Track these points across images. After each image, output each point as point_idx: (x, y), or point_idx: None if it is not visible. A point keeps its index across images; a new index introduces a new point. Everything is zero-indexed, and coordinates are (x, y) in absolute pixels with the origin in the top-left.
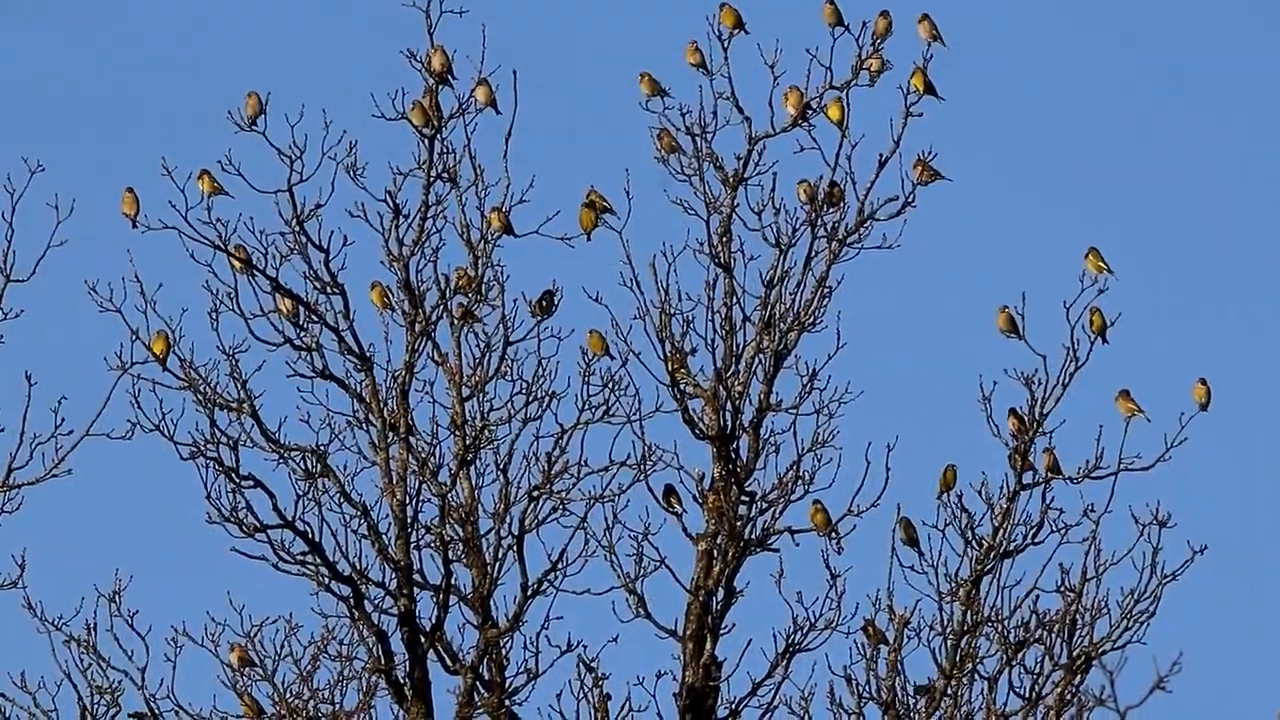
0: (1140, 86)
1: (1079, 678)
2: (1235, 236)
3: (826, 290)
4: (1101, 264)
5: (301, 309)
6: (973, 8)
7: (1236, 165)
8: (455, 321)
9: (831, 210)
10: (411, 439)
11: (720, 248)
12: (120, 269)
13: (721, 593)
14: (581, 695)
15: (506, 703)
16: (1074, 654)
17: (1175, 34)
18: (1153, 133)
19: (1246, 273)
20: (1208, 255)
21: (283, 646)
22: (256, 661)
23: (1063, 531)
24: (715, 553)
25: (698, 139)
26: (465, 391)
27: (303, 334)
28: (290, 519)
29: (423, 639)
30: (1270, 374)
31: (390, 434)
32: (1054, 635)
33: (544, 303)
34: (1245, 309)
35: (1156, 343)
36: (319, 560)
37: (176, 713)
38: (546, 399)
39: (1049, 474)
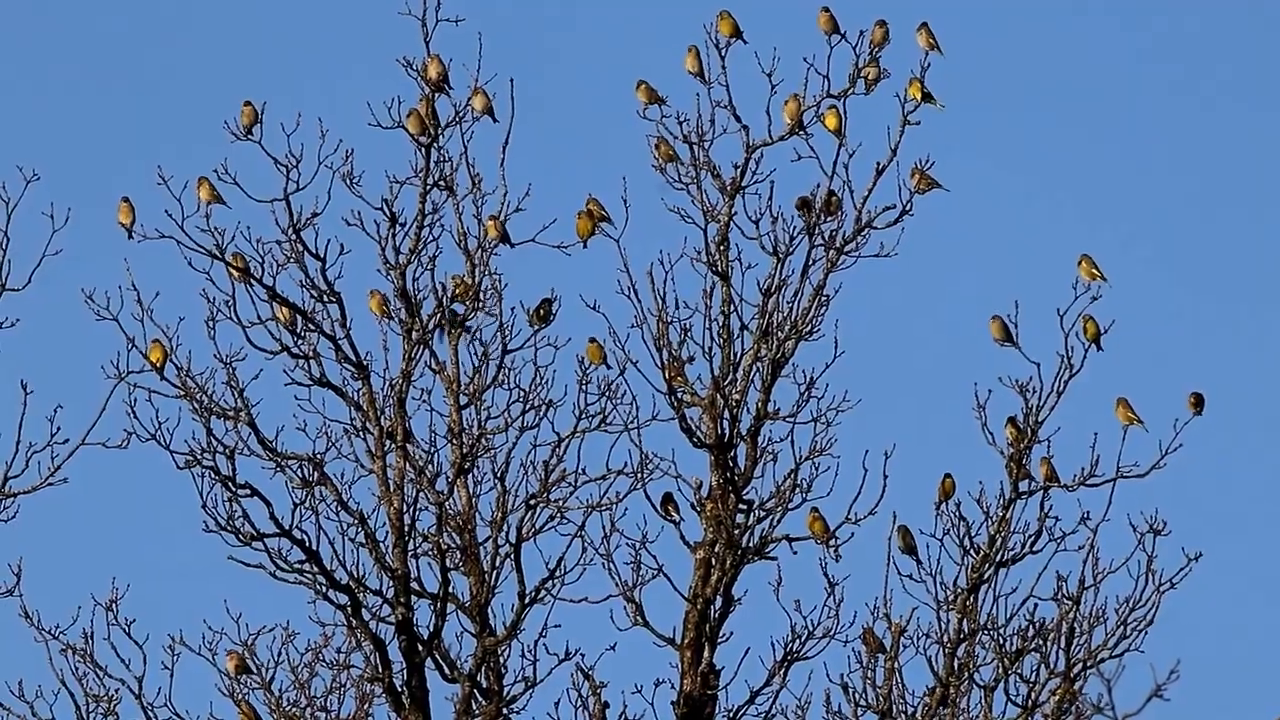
0: (1138, 89)
1: (1076, 686)
2: (1232, 241)
3: (824, 299)
4: (1095, 271)
5: (299, 317)
6: (970, 15)
7: (1233, 170)
8: (450, 331)
9: (829, 219)
10: (409, 447)
11: (718, 256)
12: (116, 278)
13: (719, 601)
14: (579, 703)
15: (504, 711)
16: (1071, 662)
17: (1175, 36)
18: (1149, 136)
19: (1243, 277)
20: (1204, 259)
21: (280, 654)
22: (253, 669)
23: (1060, 540)
24: (713, 561)
25: (695, 147)
26: (463, 400)
27: (300, 342)
28: (287, 527)
29: (420, 647)
30: (1265, 378)
31: (387, 442)
32: (1051, 644)
33: (541, 311)
34: (1241, 313)
35: (1152, 348)
36: (316, 568)
37: None
38: (544, 407)
39: (1046, 482)
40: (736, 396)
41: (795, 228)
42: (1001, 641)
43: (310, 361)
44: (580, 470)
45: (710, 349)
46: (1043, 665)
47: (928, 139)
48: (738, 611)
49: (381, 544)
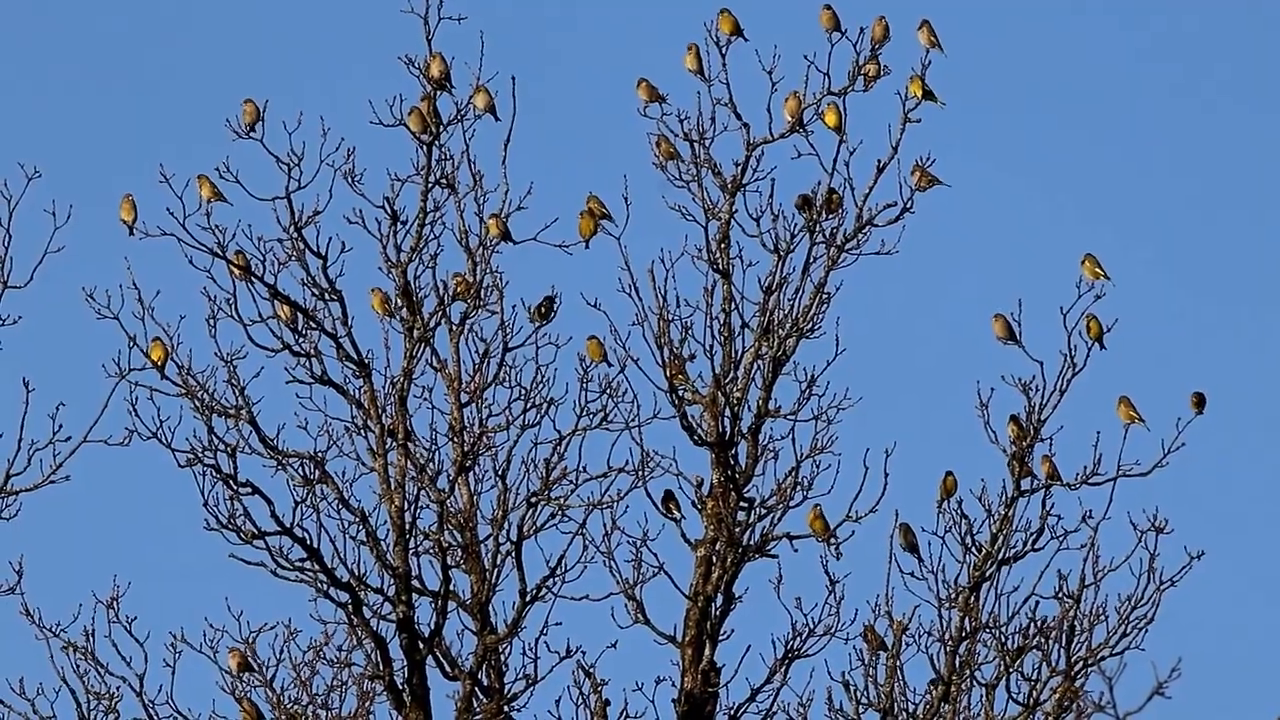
0: (1138, 89)
1: (1078, 684)
2: (1233, 241)
3: (825, 296)
4: (1098, 270)
5: (300, 315)
6: (971, 12)
7: (1234, 170)
8: (453, 328)
9: (830, 216)
10: (410, 445)
11: (719, 254)
12: (118, 276)
13: (720, 598)
14: (580, 701)
15: (505, 709)
16: (1072, 660)
17: (1174, 36)
18: (1149, 136)
19: (1244, 277)
20: (1205, 259)
21: (281, 652)
22: (255, 667)
23: (1061, 538)
24: (714, 559)
25: (696, 145)
26: (464, 398)
27: (301, 340)
28: (288, 525)
29: (421, 645)
30: (1267, 378)
31: (389, 440)
32: (1052, 642)
33: (543, 309)
34: (1242, 313)
35: (1155, 347)
36: (317, 567)
37: (175, 718)
38: (545, 405)
39: (1048, 480)
40: (737, 394)
41: (796, 225)
42: (1003, 639)
43: (311, 359)
44: (581, 468)
45: (711, 347)
46: (1044, 663)
47: (928, 136)
48: (738, 609)
49: (382, 542)
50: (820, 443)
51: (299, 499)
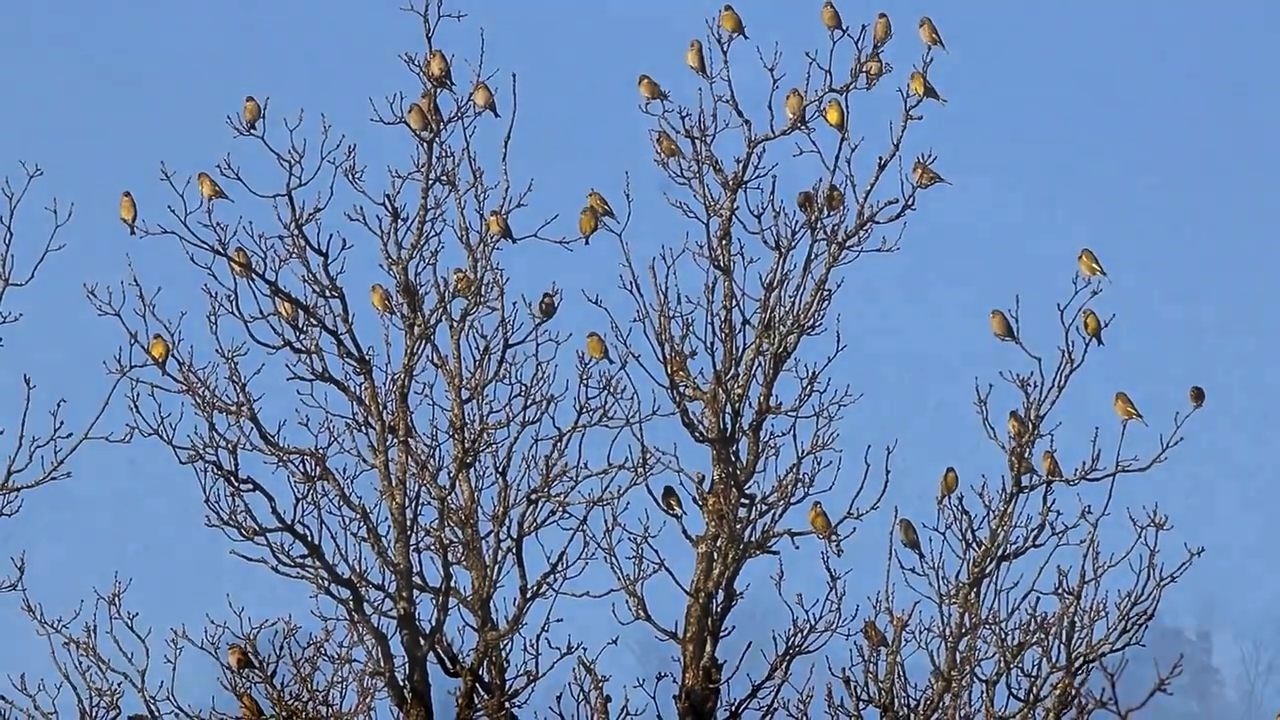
0: (1138, 89)
1: (1078, 679)
2: (1234, 239)
3: (826, 293)
4: (1095, 266)
5: (301, 312)
6: (971, 8)
7: (1234, 170)
8: (453, 325)
9: (831, 213)
10: (411, 442)
11: (720, 250)
12: (119, 273)
13: (721, 595)
14: (581, 697)
15: (506, 705)
16: (1072, 656)
17: (1175, 35)
18: (1150, 136)
19: (1245, 275)
20: (1206, 256)
21: (281, 648)
22: (255, 663)
23: (1061, 534)
24: (715, 555)
25: (697, 142)
26: (464, 394)
27: (302, 337)
28: (289, 522)
29: (422, 641)
30: (1266, 374)
31: (389, 437)
32: (1052, 638)
33: (545, 304)
34: (1241, 309)
35: (1153, 342)
36: (318, 563)
37: (176, 714)
38: (545, 402)
39: (1049, 476)
40: (738, 391)
41: (797, 222)
42: (1003, 635)
43: (312, 356)
44: (582, 465)
45: (712, 343)
46: (1044, 659)
47: (929, 133)
48: (739, 605)
49: (383, 538)
50: (821, 439)
51: (300, 495)
